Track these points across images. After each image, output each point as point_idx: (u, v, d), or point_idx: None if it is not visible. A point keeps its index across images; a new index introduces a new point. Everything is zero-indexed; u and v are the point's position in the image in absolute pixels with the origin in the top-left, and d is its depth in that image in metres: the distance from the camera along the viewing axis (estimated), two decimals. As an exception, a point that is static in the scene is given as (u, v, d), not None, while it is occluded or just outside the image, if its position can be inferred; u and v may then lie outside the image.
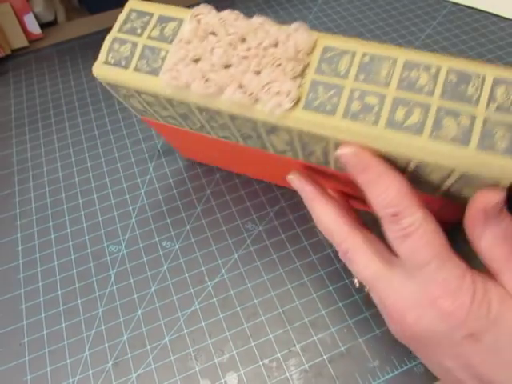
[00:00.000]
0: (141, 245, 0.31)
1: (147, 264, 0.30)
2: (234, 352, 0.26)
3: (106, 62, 0.23)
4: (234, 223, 0.32)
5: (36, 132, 0.40)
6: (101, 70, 0.24)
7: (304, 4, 0.50)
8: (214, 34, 0.22)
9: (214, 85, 0.21)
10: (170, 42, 0.22)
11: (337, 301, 0.28)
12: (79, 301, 0.29)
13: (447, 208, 0.23)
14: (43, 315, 0.28)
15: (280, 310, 0.28)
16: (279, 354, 0.26)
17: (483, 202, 0.19)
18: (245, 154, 0.28)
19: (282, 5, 0.50)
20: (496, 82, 0.18)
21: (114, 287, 0.29)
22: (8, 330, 0.28)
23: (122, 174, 0.36)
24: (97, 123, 0.40)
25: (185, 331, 0.27)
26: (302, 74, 0.20)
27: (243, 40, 0.22)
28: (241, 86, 0.21)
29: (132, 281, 0.30)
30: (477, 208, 0.19)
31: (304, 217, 0.32)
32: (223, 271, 0.30)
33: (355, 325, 0.27)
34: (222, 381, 0.25)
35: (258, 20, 0.22)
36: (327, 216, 0.23)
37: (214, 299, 0.28)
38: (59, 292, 0.29)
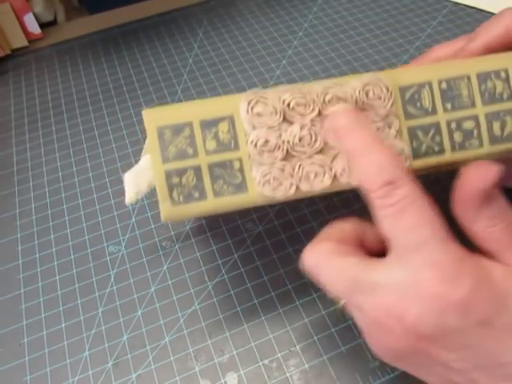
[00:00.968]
0: (141, 245, 0.31)
1: (147, 264, 0.30)
2: (234, 352, 0.26)
3: (175, 202, 0.20)
4: (234, 223, 0.32)
5: (36, 132, 0.40)
6: (173, 213, 0.20)
7: (304, 4, 0.50)
8: (286, 119, 0.20)
9: (323, 180, 0.20)
10: (236, 147, 0.20)
11: (337, 300, 0.28)
12: (79, 301, 0.29)
13: None
14: (43, 315, 0.28)
15: (280, 310, 0.28)
16: (279, 355, 0.26)
17: (476, 181, 0.17)
18: None
19: (282, 4, 0.50)
20: None
21: (114, 287, 0.29)
22: (8, 330, 0.28)
23: (121, 174, 0.36)
24: (97, 123, 0.40)
25: (185, 331, 0.27)
26: (399, 126, 0.20)
27: (322, 115, 0.20)
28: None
29: (132, 281, 0.30)
30: (469, 190, 0.18)
31: (304, 217, 0.32)
32: (223, 271, 0.30)
33: (355, 325, 0.27)
34: (222, 381, 0.25)
35: (319, 85, 0.20)
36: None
37: (214, 299, 0.28)
38: (59, 292, 0.29)
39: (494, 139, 0.21)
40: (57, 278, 0.30)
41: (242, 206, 0.20)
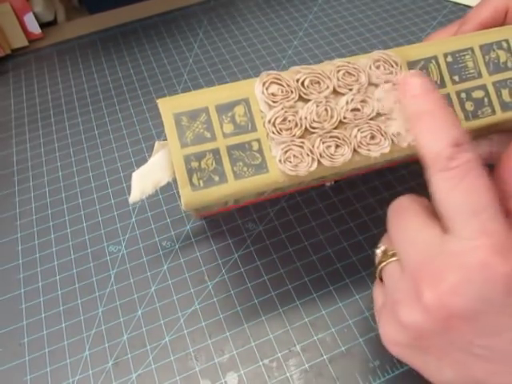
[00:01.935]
0: (141, 245, 0.31)
1: (147, 264, 0.30)
2: (234, 352, 0.26)
3: (196, 188, 0.19)
4: (234, 223, 0.32)
5: (36, 132, 0.40)
6: (194, 198, 0.19)
7: (304, 4, 0.50)
8: (302, 97, 0.20)
9: (344, 152, 0.20)
10: (253, 129, 0.20)
11: (337, 301, 0.28)
12: (79, 301, 0.29)
13: None
14: (43, 315, 0.28)
15: (280, 310, 0.28)
16: (279, 354, 0.26)
17: None
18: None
19: (283, 4, 0.50)
20: None
21: (114, 287, 0.29)
22: (8, 330, 0.28)
23: (121, 174, 0.36)
24: (97, 123, 0.40)
25: (185, 331, 0.27)
26: None
27: (336, 92, 0.20)
28: (373, 137, 0.20)
29: (132, 281, 0.30)
30: None
31: (304, 217, 0.32)
32: (223, 271, 0.30)
33: (355, 325, 0.27)
34: (223, 381, 0.25)
35: (330, 64, 0.20)
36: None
37: (214, 299, 0.28)
38: (59, 292, 0.29)
39: (505, 106, 0.21)
40: (57, 277, 0.30)
41: (263, 188, 0.20)
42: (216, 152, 0.19)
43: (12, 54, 0.48)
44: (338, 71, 0.20)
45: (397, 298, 0.18)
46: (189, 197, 0.19)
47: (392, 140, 0.20)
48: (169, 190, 0.34)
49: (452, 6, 0.47)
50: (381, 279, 0.22)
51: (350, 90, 0.20)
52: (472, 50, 0.22)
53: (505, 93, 0.21)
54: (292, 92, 0.20)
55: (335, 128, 0.20)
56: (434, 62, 0.21)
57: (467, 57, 0.22)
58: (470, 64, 0.22)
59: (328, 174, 0.21)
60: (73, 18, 0.53)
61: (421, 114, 0.19)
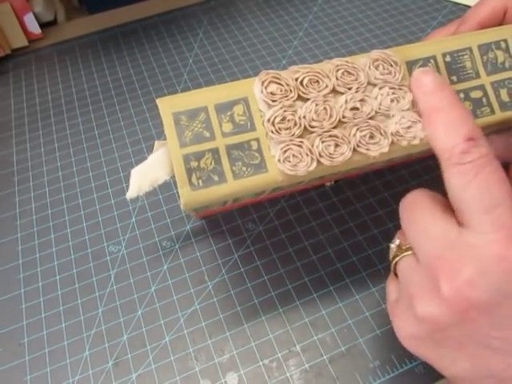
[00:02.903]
0: (141, 245, 0.31)
1: (147, 264, 0.30)
2: (234, 352, 0.26)
3: (195, 187, 0.19)
4: (234, 223, 0.32)
5: (36, 132, 0.40)
6: (193, 198, 0.19)
7: (304, 4, 0.50)
8: (301, 96, 0.20)
9: (343, 151, 0.20)
10: (252, 128, 0.20)
11: (337, 301, 0.28)
12: (79, 301, 0.29)
13: None
14: (43, 315, 0.28)
15: (280, 310, 0.28)
16: (279, 354, 0.26)
17: None
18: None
19: (283, 4, 0.50)
20: None
21: (114, 287, 0.29)
22: (8, 330, 0.28)
23: (121, 174, 0.36)
24: (97, 123, 0.40)
25: (185, 331, 0.27)
26: (411, 98, 0.21)
27: (335, 91, 0.20)
28: (372, 136, 0.20)
29: (132, 281, 0.30)
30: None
31: (304, 217, 0.32)
32: (223, 271, 0.30)
33: (355, 325, 0.27)
34: (222, 381, 0.25)
35: (329, 63, 0.21)
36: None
37: (214, 299, 0.28)
38: (59, 292, 0.29)
39: (503, 106, 0.21)
40: (57, 277, 0.30)
41: (263, 187, 0.20)
42: (215, 151, 0.19)
43: (12, 53, 0.48)
44: (337, 70, 0.20)
45: (413, 292, 0.18)
46: (188, 196, 0.19)
47: (391, 139, 0.20)
48: (169, 190, 0.34)
49: (452, 5, 0.47)
50: (395, 274, 0.22)
51: (349, 89, 0.20)
52: (470, 49, 0.22)
53: (503, 92, 0.21)
54: (291, 91, 0.20)
55: (334, 127, 0.20)
56: (432, 61, 0.21)
57: (465, 57, 0.22)
58: (469, 64, 0.22)
59: (328, 173, 0.21)
60: (73, 18, 0.53)
61: (434, 109, 0.19)
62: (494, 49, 0.22)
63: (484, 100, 0.21)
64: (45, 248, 0.32)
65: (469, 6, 0.46)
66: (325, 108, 0.20)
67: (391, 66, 0.21)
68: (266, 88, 0.20)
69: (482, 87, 0.21)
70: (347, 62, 0.21)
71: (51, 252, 0.31)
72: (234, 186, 0.19)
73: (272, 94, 0.20)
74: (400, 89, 0.21)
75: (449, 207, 0.19)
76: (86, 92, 0.43)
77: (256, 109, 0.20)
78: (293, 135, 0.19)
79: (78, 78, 0.44)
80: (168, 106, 0.20)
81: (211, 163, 0.19)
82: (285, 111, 0.20)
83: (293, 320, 0.27)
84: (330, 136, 0.20)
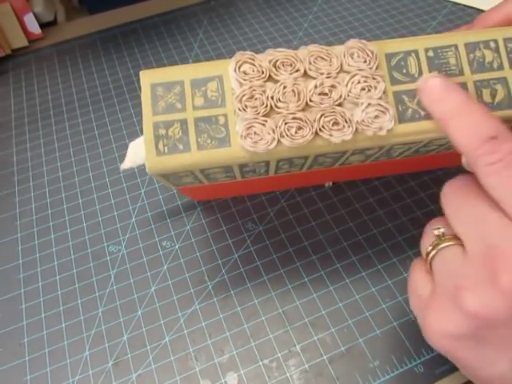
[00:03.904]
0: (141, 245, 0.31)
1: (147, 264, 0.30)
2: (234, 352, 0.26)
3: (160, 153, 0.20)
4: (234, 223, 0.32)
5: (36, 132, 0.40)
6: (157, 163, 0.20)
7: (304, 4, 0.50)
8: (272, 78, 0.20)
9: (305, 134, 0.20)
10: (222, 104, 0.20)
11: (337, 301, 0.28)
12: (79, 301, 0.29)
13: None
14: (43, 315, 0.28)
15: (280, 310, 0.28)
16: (279, 354, 0.26)
17: None
18: (279, 179, 0.28)
19: (282, 4, 0.50)
20: None
21: (114, 287, 0.29)
22: (8, 329, 0.28)
23: (121, 175, 0.36)
24: (97, 123, 0.40)
25: (185, 331, 0.27)
26: (384, 88, 0.20)
27: (307, 75, 0.20)
28: (336, 123, 0.20)
29: (132, 281, 0.30)
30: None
31: (304, 217, 0.32)
32: (223, 271, 0.30)
33: (355, 325, 0.27)
34: (222, 381, 0.25)
35: (306, 49, 0.21)
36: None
37: (214, 299, 0.28)
38: (59, 292, 0.29)
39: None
40: (57, 277, 0.30)
41: (224, 162, 0.20)
42: (183, 122, 0.20)
43: (12, 54, 0.48)
44: (312, 56, 0.21)
45: (462, 284, 0.17)
46: (153, 161, 0.20)
47: (356, 128, 0.20)
48: (169, 190, 0.34)
49: (452, 6, 0.47)
50: (430, 266, 0.20)
51: (321, 74, 0.20)
52: (456, 46, 0.21)
53: (486, 92, 0.21)
54: (263, 72, 0.20)
55: (300, 110, 0.20)
56: (413, 55, 0.21)
57: (450, 53, 0.21)
58: (453, 60, 0.21)
59: (292, 155, 0.21)
60: (73, 18, 0.53)
61: (448, 117, 0.18)
62: (482, 48, 0.21)
63: None
64: (45, 248, 0.32)
65: (468, 6, 0.46)
66: (293, 90, 0.20)
67: (367, 55, 0.20)
68: (239, 68, 0.20)
69: (463, 85, 0.21)
70: (322, 48, 0.21)
71: (51, 252, 0.31)
72: (196, 156, 0.20)
73: (244, 73, 0.20)
74: (373, 78, 0.20)
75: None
76: (86, 92, 0.43)
77: (229, 87, 0.21)
78: (258, 113, 0.20)
79: (78, 78, 0.44)
80: (148, 77, 0.21)
81: (178, 133, 0.20)
82: (254, 90, 0.20)
83: (293, 320, 0.27)
84: (294, 118, 0.20)
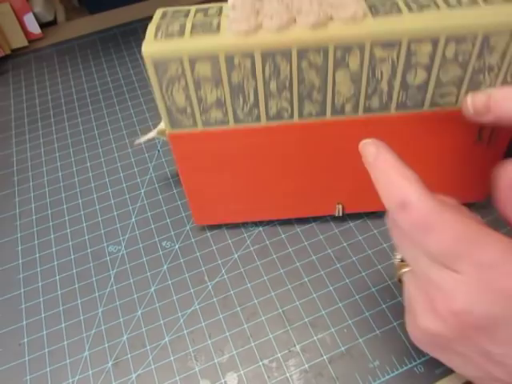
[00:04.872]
0: (141, 245, 0.31)
1: (147, 264, 0.30)
2: (234, 352, 0.26)
3: (157, 39, 0.22)
4: (234, 223, 0.32)
5: (36, 132, 0.40)
6: (152, 46, 0.22)
7: None
8: None
9: (283, 16, 0.21)
10: (219, 15, 0.23)
11: (337, 301, 0.28)
12: (79, 301, 0.29)
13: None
14: (43, 315, 0.28)
15: (280, 310, 0.28)
16: (279, 354, 0.26)
17: None
18: (288, 176, 0.28)
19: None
20: None
21: (114, 287, 0.29)
22: (8, 330, 0.28)
23: (121, 174, 0.36)
24: (96, 123, 0.40)
25: (185, 331, 0.27)
26: None
27: None
28: (312, 12, 0.21)
29: (132, 281, 0.30)
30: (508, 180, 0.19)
31: (304, 217, 0.32)
32: (223, 271, 0.30)
33: (355, 325, 0.27)
34: (222, 381, 0.25)
35: None
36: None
37: (214, 299, 0.28)
38: (59, 292, 0.29)
39: (448, 3, 0.22)
40: (57, 277, 0.30)
41: (213, 49, 0.22)
42: (182, 24, 0.23)
43: (12, 53, 0.48)
44: None
45: (414, 306, 0.19)
46: (149, 44, 0.22)
47: (330, 15, 0.21)
48: (169, 190, 0.34)
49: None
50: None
51: None
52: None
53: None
54: None
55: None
56: None
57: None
58: None
59: (273, 43, 0.22)
60: (73, 18, 0.53)
61: (375, 180, 0.20)
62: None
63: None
64: (45, 248, 0.32)
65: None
66: None
67: None
68: None
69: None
70: None
71: (51, 252, 0.31)
72: (188, 40, 0.22)
73: None
74: None
75: None
76: (86, 92, 0.43)
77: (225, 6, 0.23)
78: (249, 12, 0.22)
79: (78, 78, 0.44)
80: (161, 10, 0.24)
81: (176, 28, 0.23)
82: None
83: (293, 320, 0.27)
84: (278, 5, 0.22)
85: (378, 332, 0.26)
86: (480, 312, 0.17)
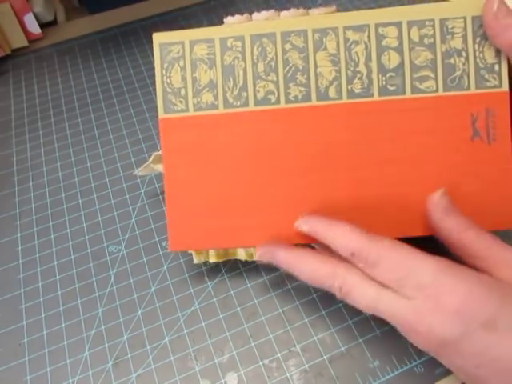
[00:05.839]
0: (141, 245, 0.31)
1: (147, 264, 0.30)
2: (234, 352, 0.26)
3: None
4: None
5: (36, 132, 0.40)
6: (160, 33, 0.26)
7: (304, 4, 0.50)
8: None
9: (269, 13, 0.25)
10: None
11: (337, 301, 0.28)
12: (79, 301, 0.29)
13: None
14: (43, 315, 0.28)
15: (280, 310, 0.28)
16: (279, 354, 0.26)
17: (435, 202, 0.22)
18: (285, 175, 0.26)
19: (283, 4, 0.50)
20: None
21: (114, 287, 0.29)
22: (8, 330, 0.28)
23: (121, 174, 0.36)
24: (97, 123, 0.40)
25: (185, 331, 0.27)
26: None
27: None
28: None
29: (132, 281, 0.30)
30: (433, 207, 0.22)
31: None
32: (223, 271, 0.30)
33: (355, 325, 0.27)
34: (222, 381, 0.25)
35: None
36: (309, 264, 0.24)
37: (214, 299, 0.28)
38: (59, 292, 0.29)
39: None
40: (57, 277, 0.30)
41: (211, 33, 0.26)
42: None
43: (12, 54, 0.48)
44: None
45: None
46: (159, 33, 0.25)
47: None
48: (169, 190, 0.34)
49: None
50: None
51: None
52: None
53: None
54: None
55: None
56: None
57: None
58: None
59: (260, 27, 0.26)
60: (73, 18, 0.53)
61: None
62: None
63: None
64: (45, 248, 0.32)
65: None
66: None
67: None
68: None
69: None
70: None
71: (51, 252, 0.31)
72: (190, 30, 0.25)
73: None
74: None
75: None
76: (86, 92, 0.43)
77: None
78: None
79: (78, 78, 0.44)
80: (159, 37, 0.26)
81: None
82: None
83: (293, 320, 0.27)
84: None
85: (377, 332, 0.26)
86: (439, 331, 0.19)
